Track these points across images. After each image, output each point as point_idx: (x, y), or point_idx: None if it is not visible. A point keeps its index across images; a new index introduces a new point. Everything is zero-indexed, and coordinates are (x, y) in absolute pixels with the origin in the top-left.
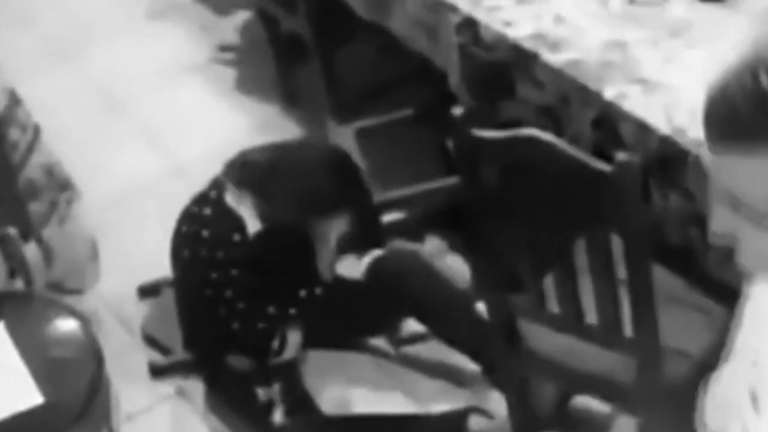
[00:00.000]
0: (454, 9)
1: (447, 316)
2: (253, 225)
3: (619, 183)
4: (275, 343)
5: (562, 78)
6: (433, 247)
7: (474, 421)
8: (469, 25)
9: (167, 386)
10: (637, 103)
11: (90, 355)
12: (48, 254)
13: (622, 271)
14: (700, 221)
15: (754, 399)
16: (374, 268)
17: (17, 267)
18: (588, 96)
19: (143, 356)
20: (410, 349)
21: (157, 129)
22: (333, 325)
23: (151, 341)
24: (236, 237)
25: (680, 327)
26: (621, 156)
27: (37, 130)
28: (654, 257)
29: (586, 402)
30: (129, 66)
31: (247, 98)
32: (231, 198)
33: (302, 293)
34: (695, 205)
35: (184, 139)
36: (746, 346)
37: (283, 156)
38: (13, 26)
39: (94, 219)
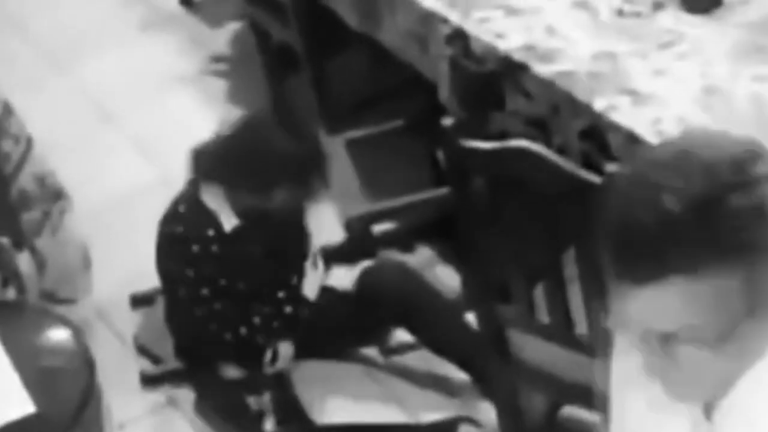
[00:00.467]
0: (444, 21)
1: (436, 326)
2: (228, 222)
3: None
4: (268, 354)
5: (552, 89)
6: (423, 258)
7: (464, 430)
8: (460, 37)
9: (159, 395)
10: (626, 115)
11: (82, 364)
12: (41, 264)
13: None
14: None
15: None
16: (364, 279)
17: (10, 276)
18: (577, 107)
19: (135, 365)
20: (400, 359)
21: (148, 139)
22: (323, 335)
23: (143, 350)
24: (210, 232)
25: None
26: (610, 167)
27: (29, 141)
28: None
29: (576, 412)
30: (121, 77)
31: (238, 109)
32: (206, 195)
33: (287, 310)
34: None
35: (176, 150)
36: None
37: (232, 138)
38: (6, 38)
39: (87, 229)
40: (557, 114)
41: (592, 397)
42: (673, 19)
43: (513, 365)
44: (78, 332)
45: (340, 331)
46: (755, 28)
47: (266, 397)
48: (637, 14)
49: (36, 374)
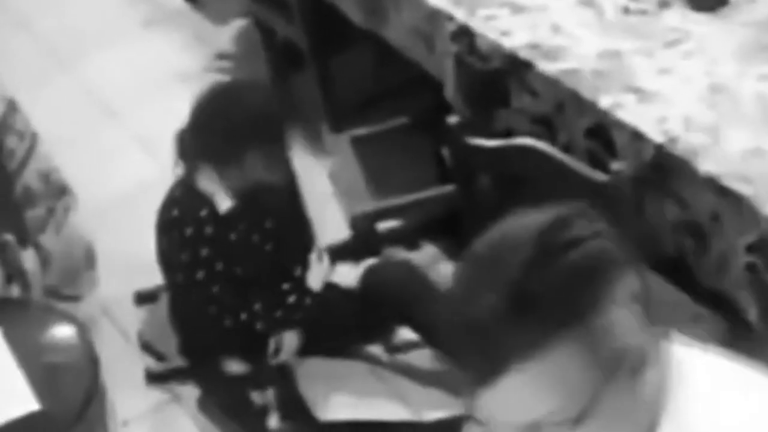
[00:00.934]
0: (450, 18)
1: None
2: (224, 204)
3: (613, 192)
4: (272, 345)
5: (557, 87)
6: (428, 255)
7: (467, 428)
8: (465, 34)
9: (163, 392)
10: (631, 113)
11: (86, 361)
12: (45, 260)
13: None
14: (694, 230)
15: None
16: (368, 277)
17: (14, 273)
18: (583, 105)
19: (140, 362)
20: (404, 357)
21: (153, 136)
22: (327, 332)
23: (147, 347)
24: (203, 212)
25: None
26: (616, 166)
27: (34, 138)
28: (647, 266)
29: None
30: (125, 74)
31: None
32: (201, 178)
33: (291, 299)
34: (689, 214)
35: None
36: None
37: (198, 110)
38: (11, 35)
39: (91, 225)
40: (562, 112)
41: None
42: (679, 17)
43: None
44: (82, 329)
45: (345, 328)
46: (762, 26)
47: (270, 393)
48: (643, 12)
49: (40, 371)
